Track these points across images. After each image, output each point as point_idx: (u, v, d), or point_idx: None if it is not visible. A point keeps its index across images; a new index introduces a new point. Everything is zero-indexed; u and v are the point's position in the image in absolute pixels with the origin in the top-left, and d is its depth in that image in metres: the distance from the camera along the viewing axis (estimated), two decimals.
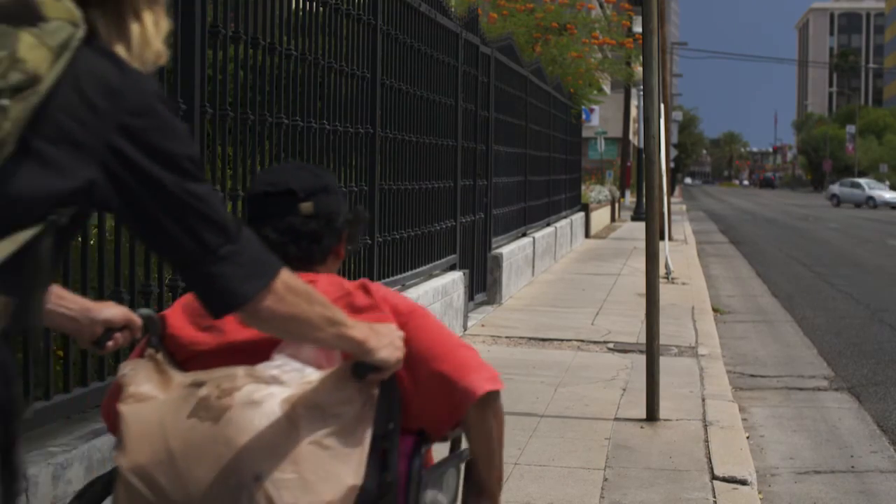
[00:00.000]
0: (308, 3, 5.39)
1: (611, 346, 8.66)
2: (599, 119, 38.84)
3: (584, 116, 24.24)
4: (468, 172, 9.72)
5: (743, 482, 4.97)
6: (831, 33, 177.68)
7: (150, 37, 1.64)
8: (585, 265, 15.76)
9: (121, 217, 1.66)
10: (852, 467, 5.85)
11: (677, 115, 46.95)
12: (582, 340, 8.85)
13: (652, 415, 6.10)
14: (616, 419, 6.11)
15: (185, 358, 2.13)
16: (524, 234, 13.38)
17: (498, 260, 10.83)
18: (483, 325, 9.40)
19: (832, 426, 6.78)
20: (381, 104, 6.56)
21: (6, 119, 1.42)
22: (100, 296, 3.50)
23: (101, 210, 1.72)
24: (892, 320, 11.53)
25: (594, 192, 25.42)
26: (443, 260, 8.56)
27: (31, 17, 1.45)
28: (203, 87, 4.19)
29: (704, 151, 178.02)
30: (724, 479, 4.97)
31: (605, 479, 4.91)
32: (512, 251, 11.59)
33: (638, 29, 21.18)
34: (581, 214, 20.83)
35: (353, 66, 6.08)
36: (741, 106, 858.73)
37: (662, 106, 14.14)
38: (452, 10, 9.09)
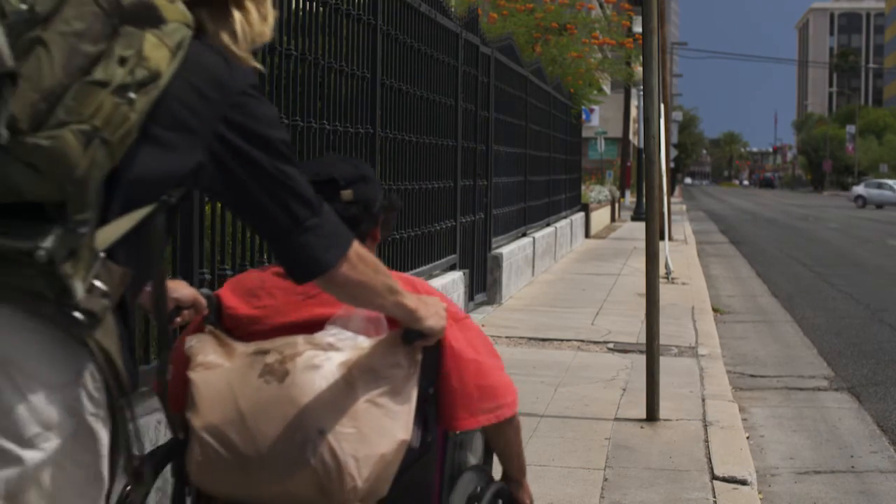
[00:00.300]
0: (308, 3, 5.39)
1: (611, 346, 8.66)
2: (599, 119, 38.83)
3: (584, 116, 24.24)
4: (468, 172, 9.73)
5: (743, 482, 4.97)
6: (831, 33, 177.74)
7: (253, 24, 1.83)
8: (585, 265, 15.76)
9: (221, 195, 1.90)
10: (852, 467, 5.85)
11: (677, 115, 46.97)
12: (582, 340, 8.86)
13: (652, 415, 6.10)
14: (616, 419, 6.11)
15: (241, 333, 2.34)
16: (524, 234, 13.38)
17: (498, 260, 10.83)
18: (483, 325, 9.40)
19: (832, 426, 6.78)
20: (381, 104, 6.56)
21: (133, 110, 1.60)
22: None
23: (204, 190, 1.91)
24: (892, 320, 11.53)
25: (594, 192, 25.42)
26: (443, 260, 8.56)
27: (153, 20, 1.64)
28: None
29: (704, 151, 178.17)
30: (724, 479, 4.98)
31: (605, 479, 4.91)
32: (512, 251, 11.59)
33: (638, 29, 21.19)
34: (581, 214, 20.83)
35: (353, 66, 6.08)
36: (741, 106, 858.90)
37: (662, 106, 14.15)
38: (452, 10, 9.09)
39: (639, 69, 22.19)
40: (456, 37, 8.87)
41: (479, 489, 2.50)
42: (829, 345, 9.90)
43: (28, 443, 1.58)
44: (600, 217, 24.87)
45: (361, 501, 2.17)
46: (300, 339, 2.24)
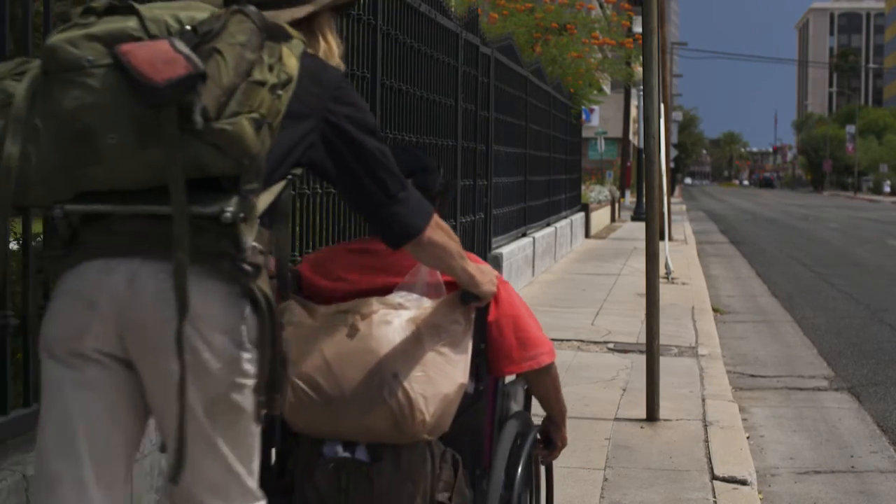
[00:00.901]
0: None
1: (611, 346, 8.66)
2: (599, 119, 38.82)
3: (584, 116, 24.24)
4: (468, 172, 9.72)
5: (743, 482, 4.97)
6: (831, 33, 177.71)
7: (332, 51, 2.46)
8: (585, 265, 15.76)
9: (327, 172, 2.31)
10: (852, 467, 5.85)
11: (677, 115, 46.97)
12: (582, 340, 8.85)
13: (652, 415, 6.10)
14: (616, 419, 6.10)
15: (319, 301, 2.72)
16: (524, 235, 13.38)
17: (498, 260, 10.83)
18: None
19: (832, 426, 6.78)
20: (380, 104, 6.56)
21: (280, 104, 2.07)
22: None
23: (312, 168, 2.29)
24: (892, 320, 11.53)
25: (594, 192, 25.41)
26: None
27: (285, 37, 2.14)
28: None
29: (704, 151, 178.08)
30: (724, 480, 4.98)
31: (605, 479, 4.91)
32: (512, 251, 11.59)
33: (638, 29, 21.18)
34: (581, 214, 20.83)
35: (353, 66, 6.08)
36: (741, 106, 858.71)
37: (662, 106, 14.14)
38: (452, 10, 9.08)
39: (639, 69, 22.18)
40: (456, 37, 8.87)
41: (522, 431, 2.96)
42: (829, 345, 9.90)
43: (216, 374, 2.08)
44: (600, 217, 24.87)
45: (428, 434, 2.59)
46: (374, 300, 2.65)
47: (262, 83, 2.04)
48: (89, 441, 2.10)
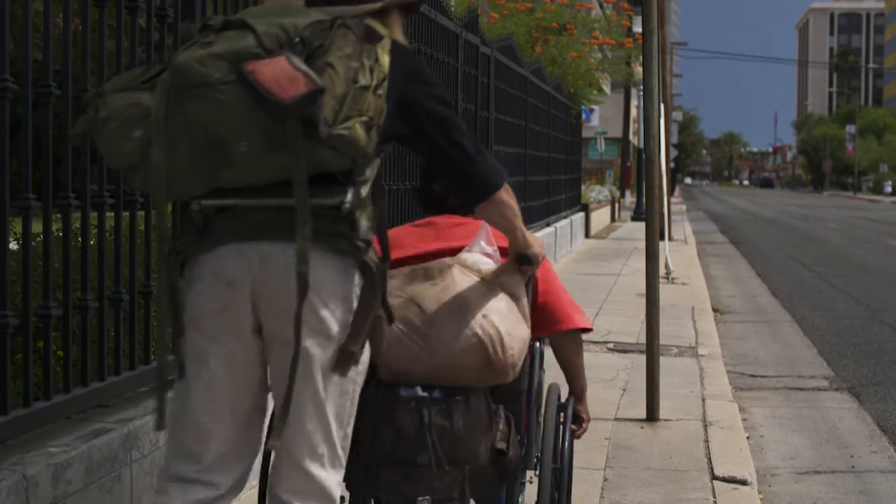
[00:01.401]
0: None
1: (611, 346, 8.66)
2: (599, 119, 38.82)
3: (584, 116, 24.23)
4: None
5: (743, 482, 4.97)
6: (831, 33, 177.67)
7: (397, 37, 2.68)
8: (585, 265, 15.76)
9: (411, 143, 2.62)
10: (852, 467, 5.85)
11: (677, 116, 46.95)
12: (582, 340, 8.84)
13: (652, 415, 6.10)
14: (616, 419, 6.10)
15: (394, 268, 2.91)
16: None
17: None
18: None
19: (832, 426, 6.78)
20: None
21: (382, 101, 2.38)
22: (100, 297, 3.50)
23: (399, 140, 2.59)
24: (892, 320, 11.53)
25: (594, 192, 25.41)
26: None
27: (378, 38, 2.41)
28: None
29: (704, 151, 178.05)
30: (724, 480, 4.97)
31: (605, 480, 4.91)
32: None
33: (638, 29, 21.17)
34: (581, 214, 20.82)
35: None
36: (741, 106, 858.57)
37: (662, 106, 14.13)
38: (452, 10, 9.08)
39: (639, 69, 22.18)
40: (456, 37, 8.86)
41: (563, 399, 3.30)
42: (829, 345, 9.90)
43: (332, 337, 2.42)
44: (600, 217, 24.86)
45: (512, 371, 2.84)
46: (447, 259, 2.96)
47: (366, 87, 2.35)
48: (231, 401, 2.47)
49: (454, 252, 3.02)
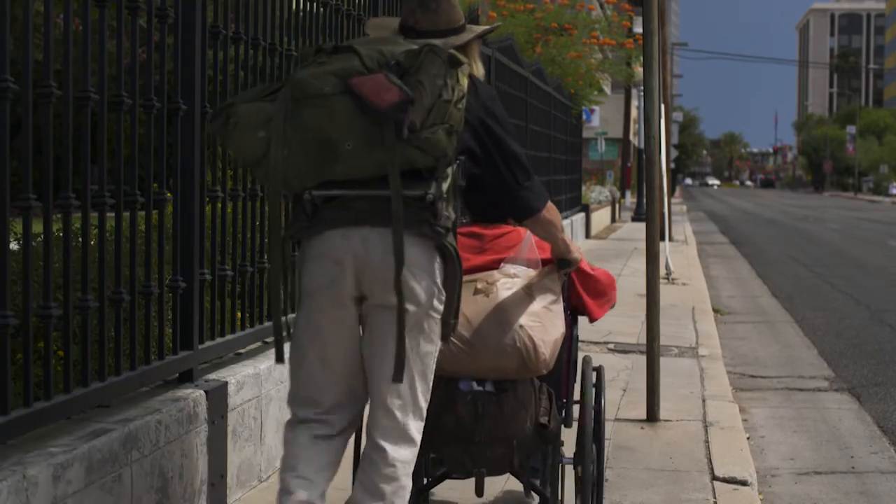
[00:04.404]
0: (308, 4, 5.39)
1: (611, 346, 8.66)
2: (600, 120, 38.81)
3: (584, 117, 24.23)
4: None
5: (743, 483, 4.97)
6: (832, 34, 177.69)
7: (479, 71, 3.43)
8: None
9: (477, 160, 3.25)
10: (853, 468, 5.85)
11: (677, 116, 46.94)
12: (582, 341, 8.84)
13: (652, 415, 6.10)
14: (616, 420, 6.10)
15: None
16: None
17: None
18: None
19: (832, 427, 6.78)
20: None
21: (461, 114, 2.95)
22: (100, 296, 3.50)
23: (469, 155, 3.20)
24: (892, 321, 11.53)
25: (594, 192, 25.41)
26: None
27: (459, 63, 2.96)
28: (203, 87, 4.18)
29: (705, 152, 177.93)
30: (725, 480, 4.97)
31: (606, 480, 4.90)
32: None
33: (638, 29, 21.16)
34: (581, 215, 20.82)
35: None
36: (741, 106, 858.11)
37: (663, 106, 14.12)
38: None
39: (639, 70, 22.16)
40: None
41: (598, 367, 4.02)
42: (830, 345, 9.90)
43: (423, 305, 3.02)
44: (600, 218, 24.86)
45: (545, 369, 3.49)
46: (495, 272, 3.52)
47: (448, 101, 2.92)
48: (340, 358, 3.10)
49: (498, 263, 3.58)
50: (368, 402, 3.16)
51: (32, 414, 3.12)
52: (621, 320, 10.02)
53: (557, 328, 3.51)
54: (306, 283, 3.05)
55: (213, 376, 4.24)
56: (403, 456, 3.09)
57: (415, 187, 2.94)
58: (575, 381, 3.94)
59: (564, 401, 3.87)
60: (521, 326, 3.41)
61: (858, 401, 7.54)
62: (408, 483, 3.11)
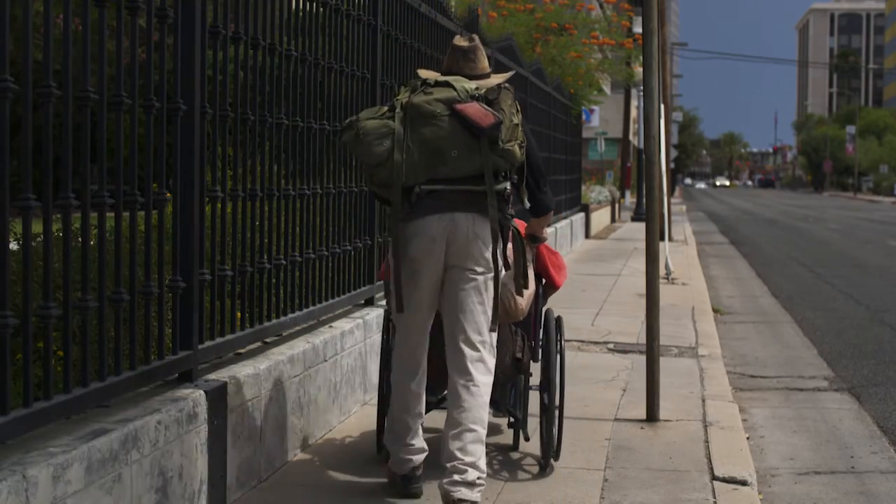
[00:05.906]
0: (308, 4, 5.39)
1: (611, 346, 8.66)
2: (599, 120, 38.82)
3: (584, 117, 24.23)
4: None
5: (743, 483, 4.97)
6: (831, 34, 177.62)
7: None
8: (585, 266, 15.75)
9: (521, 168, 4.37)
10: (852, 468, 5.85)
11: (677, 116, 46.90)
12: (582, 341, 8.85)
13: (652, 415, 6.10)
14: (616, 420, 6.10)
15: None
16: None
17: None
18: None
19: (832, 427, 6.78)
20: (381, 105, 6.55)
21: (522, 133, 4.30)
22: (100, 297, 3.50)
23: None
24: (892, 321, 11.52)
25: (594, 192, 25.41)
26: None
27: (514, 93, 4.34)
28: (203, 87, 4.18)
29: (704, 152, 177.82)
30: (725, 480, 4.97)
31: (605, 480, 4.90)
32: None
33: (638, 29, 21.16)
34: (581, 215, 20.82)
35: (353, 67, 6.08)
36: (741, 106, 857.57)
37: (662, 106, 14.12)
38: (452, 10, 9.07)
39: (639, 70, 22.16)
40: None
41: (557, 317, 5.10)
42: (830, 345, 9.90)
43: (490, 268, 4.25)
44: (600, 217, 24.86)
45: (522, 317, 4.79)
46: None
47: (517, 124, 4.24)
48: (430, 308, 4.32)
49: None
50: (445, 345, 4.31)
51: (32, 414, 3.12)
52: (621, 320, 10.02)
53: (531, 287, 4.73)
54: (410, 254, 4.19)
55: (212, 376, 4.24)
56: (486, 381, 4.23)
57: (497, 184, 4.18)
58: (541, 327, 5.03)
59: (533, 343, 5.00)
60: (504, 285, 4.55)
61: (858, 401, 7.54)
62: (487, 403, 4.23)
